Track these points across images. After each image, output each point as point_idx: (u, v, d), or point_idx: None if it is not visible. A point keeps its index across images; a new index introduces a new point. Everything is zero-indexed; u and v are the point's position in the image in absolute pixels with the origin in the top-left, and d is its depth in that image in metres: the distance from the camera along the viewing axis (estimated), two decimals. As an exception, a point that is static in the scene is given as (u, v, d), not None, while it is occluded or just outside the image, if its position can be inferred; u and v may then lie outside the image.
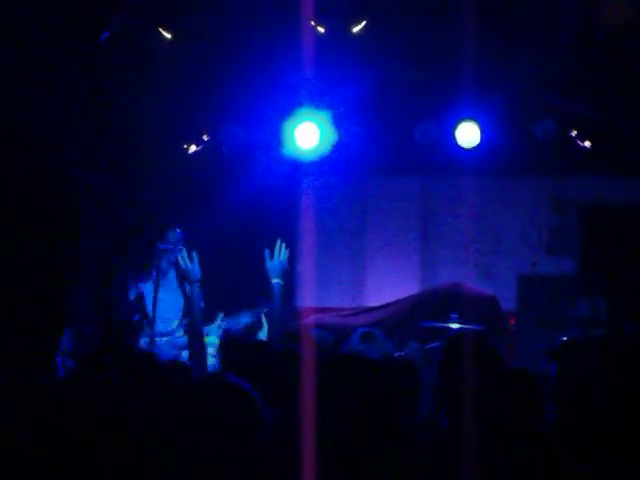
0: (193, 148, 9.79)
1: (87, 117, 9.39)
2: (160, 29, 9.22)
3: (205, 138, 9.78)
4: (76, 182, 9.45)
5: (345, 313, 9.39)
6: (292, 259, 9.77)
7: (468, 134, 9.62)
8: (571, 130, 9.75)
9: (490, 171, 9.92)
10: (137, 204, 9.45)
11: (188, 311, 7.81)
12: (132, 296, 7.79)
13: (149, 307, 7.69)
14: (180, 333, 7.85)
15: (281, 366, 4.34)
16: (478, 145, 9.61)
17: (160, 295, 7.73)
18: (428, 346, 7.95)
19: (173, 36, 9.27)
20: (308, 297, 9.85)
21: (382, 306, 9.29)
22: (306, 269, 9.92)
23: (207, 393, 3.42)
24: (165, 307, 7.78)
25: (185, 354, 7.67)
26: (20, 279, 7.66)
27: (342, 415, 3.29)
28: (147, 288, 7.83)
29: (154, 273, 7.73)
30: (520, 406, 3.85)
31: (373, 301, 9.83)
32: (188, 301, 7.87)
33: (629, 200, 10.13)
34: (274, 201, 9.89)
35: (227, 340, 5.85)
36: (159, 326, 7.68)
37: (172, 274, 7.97)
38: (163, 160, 9.68)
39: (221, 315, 7.69)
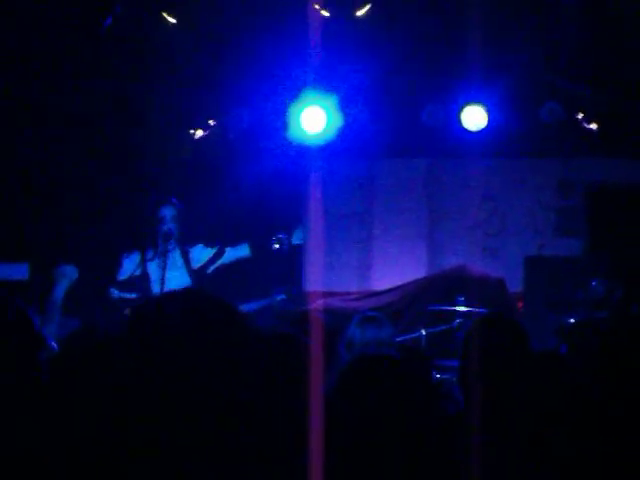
0: (200, 133, 9.78)
1: (91, 104, 9.38)
2: (164, 14, 9.21)
3: (211, 123, 9.77)
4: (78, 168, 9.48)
5: (352, 297, 9.39)
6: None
7: (474, 117, 9.61)
8: (577, 112, 9.74)
9: (496, 153, 9.90)
10: (143, 189, 9.42)
11: None
12: (137, 273, 7.71)
13: (154, 286, 7.65)
14: None
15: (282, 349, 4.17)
16: (484, 128, 9.61)
17: (167, 274, 7.66)
18: (435, 329, 7.97)
19: (177, 21, 9.26)
20: (316, 281, 9.85)
21: (389, 290, 9.28)
22: (313, 253, 9.92)
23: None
24: (171, 286, 7.70)
25: None
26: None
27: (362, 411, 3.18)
28: (151, 267, 7.76)
29: (151, 252, 7.72)
30: (549, 387, 3.78)
31: (380, 285, 9.81)
32: (195, 279, 7.87)
33: (636, 182, 10.09)
34: (280, 185, 9.87)
35: None
36: None
37: (177, 253, 7.90)
38: (170, 145, 9.67)
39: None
